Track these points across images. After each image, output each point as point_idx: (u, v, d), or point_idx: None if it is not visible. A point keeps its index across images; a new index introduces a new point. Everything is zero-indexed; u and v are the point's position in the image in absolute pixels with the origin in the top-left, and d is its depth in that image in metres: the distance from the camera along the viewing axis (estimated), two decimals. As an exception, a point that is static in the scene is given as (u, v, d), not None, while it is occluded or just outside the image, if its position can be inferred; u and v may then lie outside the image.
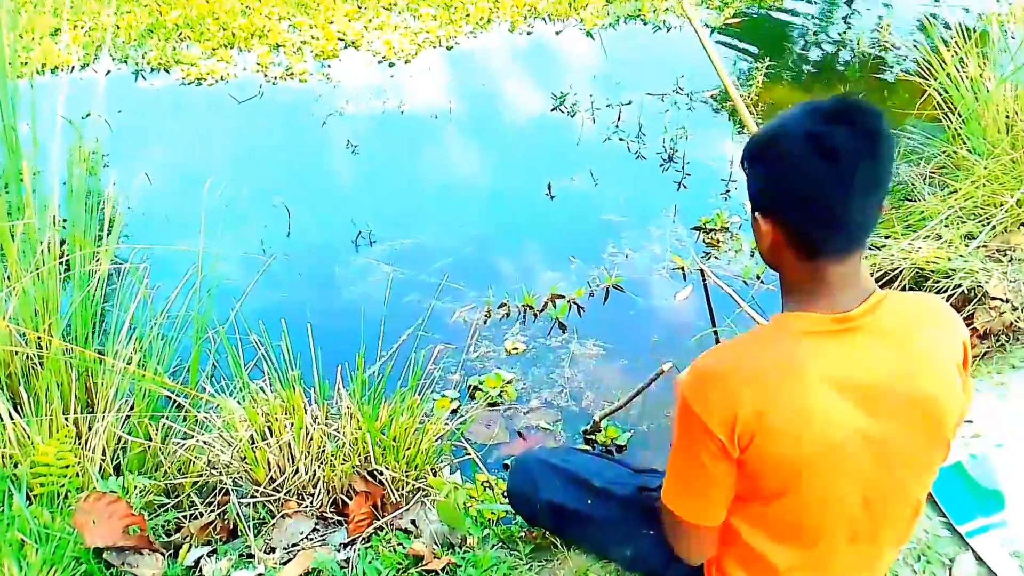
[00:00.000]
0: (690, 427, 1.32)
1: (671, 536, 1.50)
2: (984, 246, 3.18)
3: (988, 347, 2.85)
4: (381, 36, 5.69)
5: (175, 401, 2.50)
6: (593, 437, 2.87)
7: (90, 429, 2.33)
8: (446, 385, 3.09)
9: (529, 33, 5.84)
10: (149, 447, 2.32)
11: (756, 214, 1.33)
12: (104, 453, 2.28)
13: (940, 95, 3.75)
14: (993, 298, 3.01)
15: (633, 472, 1.84)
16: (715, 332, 3.29)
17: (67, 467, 2.14)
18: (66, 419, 2.29)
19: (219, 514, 2.15)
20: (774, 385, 1.26)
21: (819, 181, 1.22)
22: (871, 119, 1.24)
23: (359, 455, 2.15)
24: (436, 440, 2.27)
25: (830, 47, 5.83)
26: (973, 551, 1.87)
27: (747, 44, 5.73)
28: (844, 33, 5.98)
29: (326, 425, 2.21)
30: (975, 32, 3.78)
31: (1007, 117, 3.45)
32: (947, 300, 2.97)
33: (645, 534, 1.71)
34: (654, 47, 5.83)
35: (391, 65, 5.43)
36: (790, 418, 1.25)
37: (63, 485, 2.13)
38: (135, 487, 2.17)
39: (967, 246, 3.14)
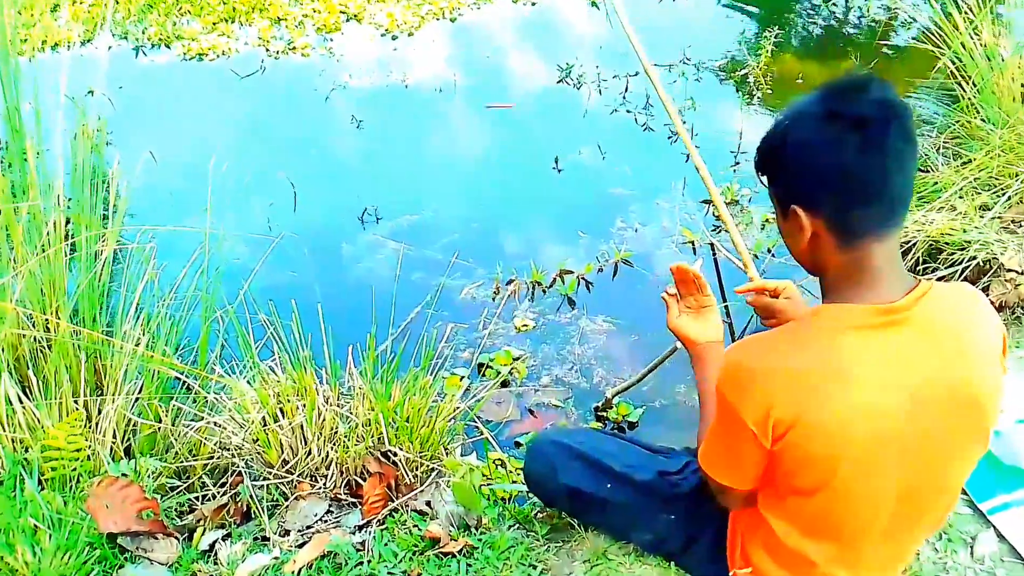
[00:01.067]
0: (726, 413, 1.33)
1: (709, 483, 1.50)
2: (999, 217, 3.14)
3: (1004, 320, 2.81)
4: (384, 8, 5.61)
5: (184, 382, 2.49)
6: (605, 414, 2.85)
7: (99, 412, 2.32)
8: (456, 363, 3.07)
9: (534, 3, 5.76)
10: (160, 429, 2.31)
11: (793, 209, 1.28)
12: (115, 436, 2.26)
13: (953, 64, 3.69)
14: (1009, 270, 2.97)
15: (649, 453, 1.82)
16: (726, 307, 3.25)
17: (78, 451, 2.12)
18: (76, 402, 2.28)
19: (232, 496, 2.14)
20: (815, 386, 1.24)
21: (855, 153, 1.20)
22: (884, 87, 1.23)
23: (372, 436, 2.13)
24: (449, 420, 2.25)
25: (840, 13, 5.75)
26: (995, 528, 1.85)
27: (755, 11, 5.65)
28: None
29: (338, 406, 2.19)
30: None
31: (1023, 86, 3.40)
32: (962, 273, 2.94)
33: (664, 519, 1.71)
34: (660, 17, 5.74)
35: (394, 38, 5.37)
36: (831, 418, 1.23)
37: (75, 469, 2.12)
38: (147, 470, 2.16)
39: (982, 217, 3.10)
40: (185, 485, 2.20)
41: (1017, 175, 3.18)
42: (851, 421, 1.24)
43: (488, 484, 2.05)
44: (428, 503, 2.02)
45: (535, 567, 1.86)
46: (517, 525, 1.98)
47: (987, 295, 2.89)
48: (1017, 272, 2.98)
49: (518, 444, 2.72)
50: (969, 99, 3.56)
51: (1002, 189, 3.17)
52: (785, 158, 1.29)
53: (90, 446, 2.18)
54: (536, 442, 1.89)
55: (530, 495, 2.01)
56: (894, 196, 1.24)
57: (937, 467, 1.33)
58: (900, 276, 1.29)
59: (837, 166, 1.22)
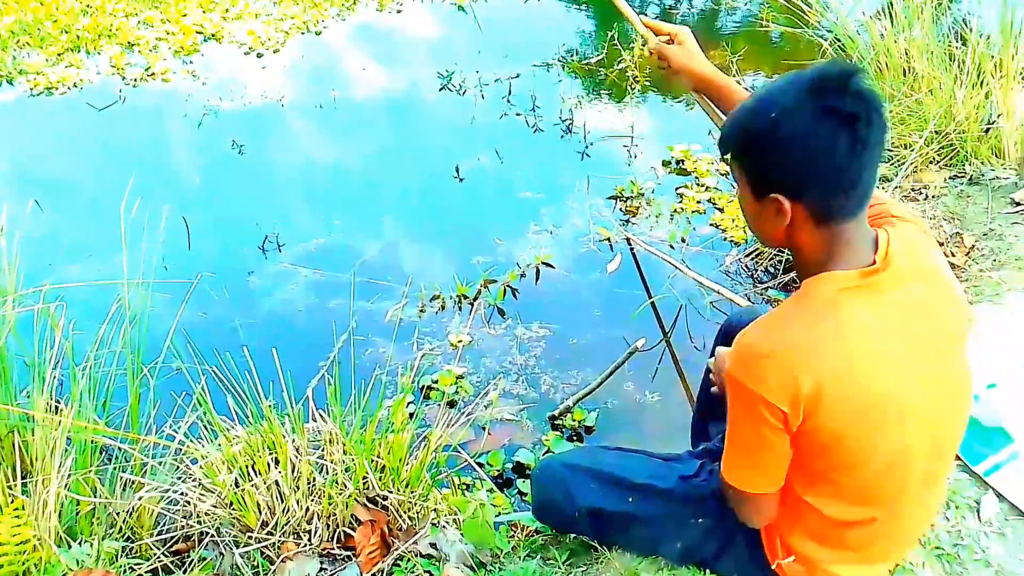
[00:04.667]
0: (749, 405, 1.31)
1: (733, 504, 1.50)
2: (899, 187, 3.29)
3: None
4: (243, 26, 5.35)
5: (121, 449, 2.26)
6: (561, 422, 2.80)
7: (24, 494, 2.07)
8: (395, 389, 2.94)
9: (399, 11, 5.63)
10: (105, 506, 2.08)
11: (773, 197, 1.31)
12: (60, 518, 2.02)
13: (833, 44, 3.85)
14: (918, 237, 3.11)
15: (662, 461, 1.79)
16: (652, 304, 3.26)
17: (24, 542, 1.89)
18: (10, 487, 2.03)
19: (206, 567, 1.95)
20: (827, 353, 1.27)
21: (843, 150, 1.25)
22: (862, 78, 1.27)
23: (355, 482, 2.00)
24: (432, 453, 2.14)
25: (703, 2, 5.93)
26: (993, 490, 1.92)
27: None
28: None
29: (309, 453, 2.04)
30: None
31: (900, 58, 3.57)
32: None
33: (694, 524, 1.67)
34: (527, 16, 5.75)
35: (259, 56, 5.12)
36: (851, 383, 1.27)
37: (24, 563, 1.88)
38: (103, 552, 1.94)
39: (884, 189, 3.24)
40: (151, 565, 1.99)
41: (909, 146, 3.34)
42: (871, 381, 1.28)
43: (498, 518, 1.95)
44: (433, 544, 1.91)
45: (561, 595, 1.79)
46: (532, 555, 1.89)
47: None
48: (926, 238, 3.12)
49: (479, 465, 2.64)
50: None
51: (900, 160, 3.32)
52: (772, 150, 1.31)
53: (34, 534, 1.94)
54: (543, 469, 1.81)
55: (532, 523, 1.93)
56: (869, 182, 1.30)
57: (954, 404, 1.41)
58: (869, 237, 1.35)
59: (828, 160, 1.26)
